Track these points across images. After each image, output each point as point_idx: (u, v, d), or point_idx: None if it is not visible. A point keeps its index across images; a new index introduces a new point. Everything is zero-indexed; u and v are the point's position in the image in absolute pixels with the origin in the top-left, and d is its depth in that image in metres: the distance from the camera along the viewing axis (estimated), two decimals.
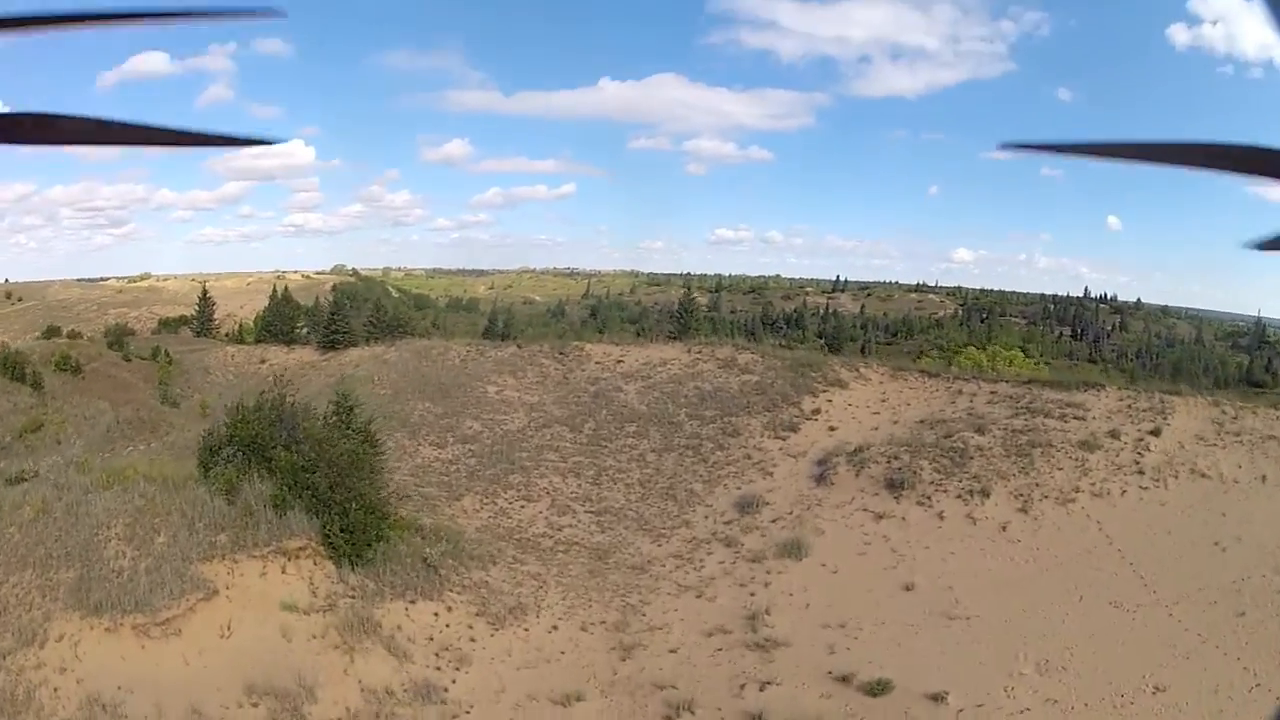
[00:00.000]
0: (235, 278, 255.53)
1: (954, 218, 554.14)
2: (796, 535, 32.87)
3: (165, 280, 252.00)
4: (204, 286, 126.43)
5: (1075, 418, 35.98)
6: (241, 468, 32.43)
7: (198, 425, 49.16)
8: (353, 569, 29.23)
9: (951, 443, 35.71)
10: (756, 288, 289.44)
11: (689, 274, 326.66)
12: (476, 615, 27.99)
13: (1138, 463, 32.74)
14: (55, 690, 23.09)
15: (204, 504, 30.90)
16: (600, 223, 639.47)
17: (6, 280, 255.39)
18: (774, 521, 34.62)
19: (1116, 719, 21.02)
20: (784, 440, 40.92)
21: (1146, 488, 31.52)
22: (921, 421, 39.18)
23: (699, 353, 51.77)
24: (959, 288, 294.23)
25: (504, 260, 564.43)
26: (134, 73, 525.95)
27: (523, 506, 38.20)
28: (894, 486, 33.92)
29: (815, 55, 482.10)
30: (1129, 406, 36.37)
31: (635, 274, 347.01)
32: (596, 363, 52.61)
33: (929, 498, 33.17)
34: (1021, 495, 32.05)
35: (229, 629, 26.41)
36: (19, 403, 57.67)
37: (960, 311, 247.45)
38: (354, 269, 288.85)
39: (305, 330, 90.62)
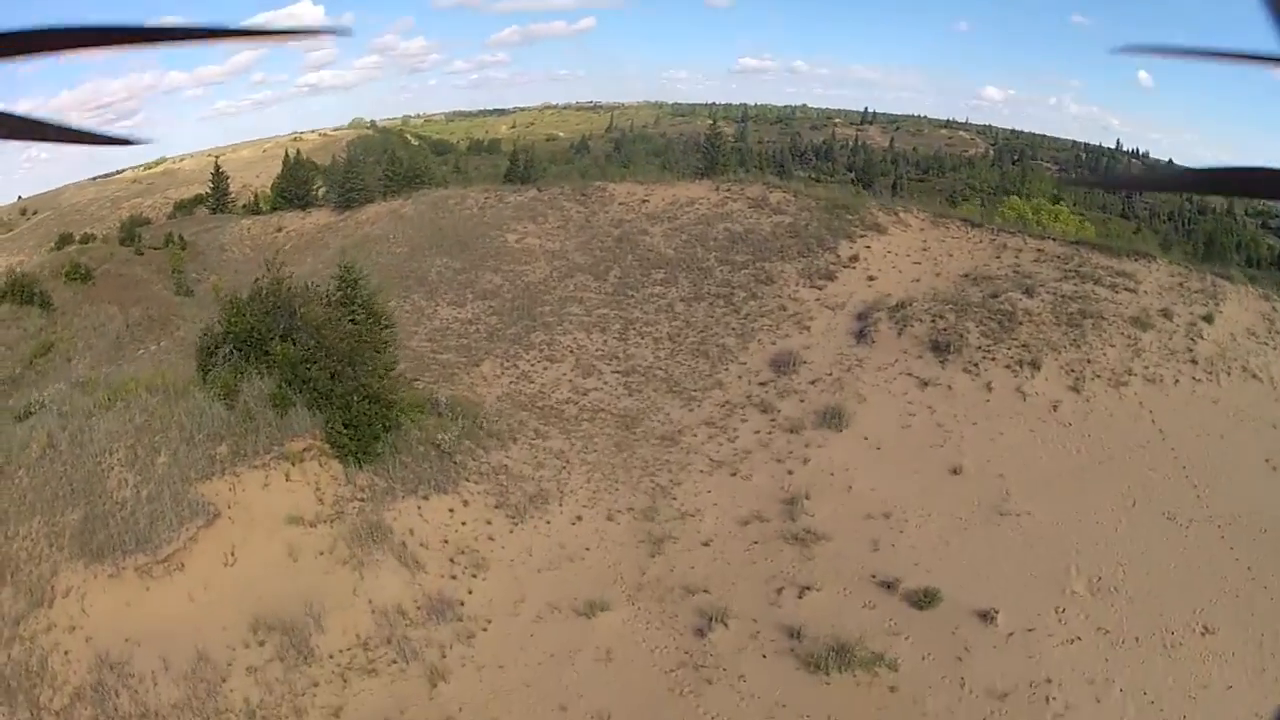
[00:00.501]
0: (252, 146, 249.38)
1: (983, 54, 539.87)
2: (837, 401, 30.38)
3: (181, 161, 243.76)
4: (217, 162, 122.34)
5: (1126, 289, 32.77)
6: (239, 367, 30.48)
7: (211, 312, 47.63)
8: (360, 467, 27.25)
9: (999, 304, 32.67)
10: (783, 118, 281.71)
11: (714, 104, 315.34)
12: (495, 508, 26.13)
13: (1190, 350, 29.55)
14: (66, 654, 22.49)
15: (202, 412, 29.26)
16: (622, 56, 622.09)
17: (20, 197, 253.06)
18: (813, 383, 32.06)
19: (1165, 659, 19.06)
20: (820, 290, 37.96)
21: (1199, 380, 28.52)
22: (965, 276, 36.15)
23: (728, 191, 48.21)
24: (989, 126, 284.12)
25: (525, 98, 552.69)
26: None
27: (545, 368, 35.94)
28: (939, 349, 31.40)
29: None
30: (1180, 284, 32.96)
31: (659, 105, 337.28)
32: (620, 204, 49.79)
33: (976, 365, 30.46)
34: (1073, 371, 29.31)
35: (233, 556, 24.91)
36: (29, 327, 56.17)
37: (991, 152, 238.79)
38: (372, 121, 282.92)
39: (323, 191, 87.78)
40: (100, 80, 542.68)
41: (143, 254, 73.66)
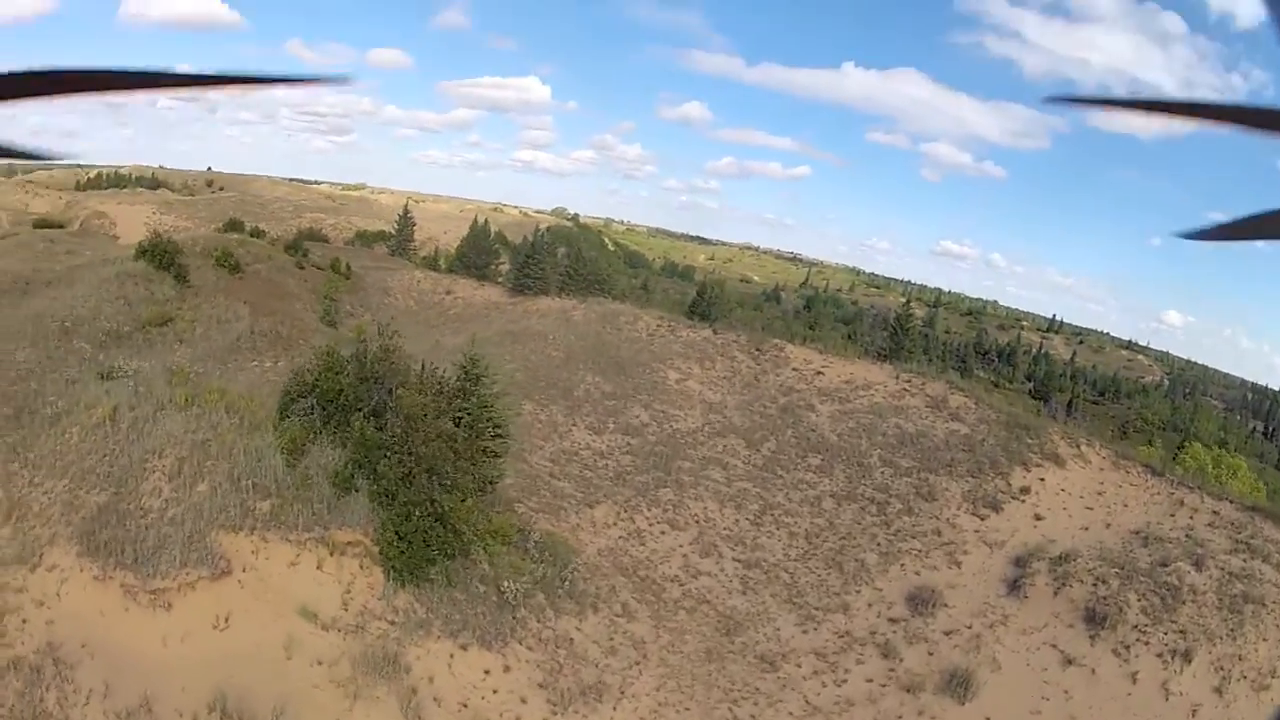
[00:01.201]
0: (452, 203, 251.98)
1: (1170, 275, 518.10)
2: (969, 664, 25.24)
3: (380, 194, 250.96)
4: (406, 204, 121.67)
5: None
6: (314, 426, 27.44)
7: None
8: (403, 585, 23.49)
9: (1166, 574, 27.90)
10: (973, 310, 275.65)
11: (909, 283, 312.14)
12: (539, 686, 21.99)
13: None
14: (24, 623, 21.66)
15: (260, 459, 26.61)
16: (829, 212, 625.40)
17: (210, 169, 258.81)
18: (948, 634, 27.01)
19: None
20: (982, 520, 33.25)
21: None
22: (1137, 533, 31.23)
23: (908, 382, 43.72)
24: (1166, 354, 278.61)
25: (729, 233, 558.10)
26: None
27: (663, 533, 31.67)
28: (1093, 620, 26.53)
29: (1057, 74, 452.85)
30: None
31: (856, 272, 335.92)
32: (794, 369, 45.64)
33: (1128, 648, 25.46)
34: (1222, 668, 24.67)
35: (226, 622, 22.03)
36: (156, 293, 53.53)
37: (1166, 381, 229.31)
38: (575, 214, 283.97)
39: (505, 268, 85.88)
40: (316, 88, 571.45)
41: (303, 269, 70.87)
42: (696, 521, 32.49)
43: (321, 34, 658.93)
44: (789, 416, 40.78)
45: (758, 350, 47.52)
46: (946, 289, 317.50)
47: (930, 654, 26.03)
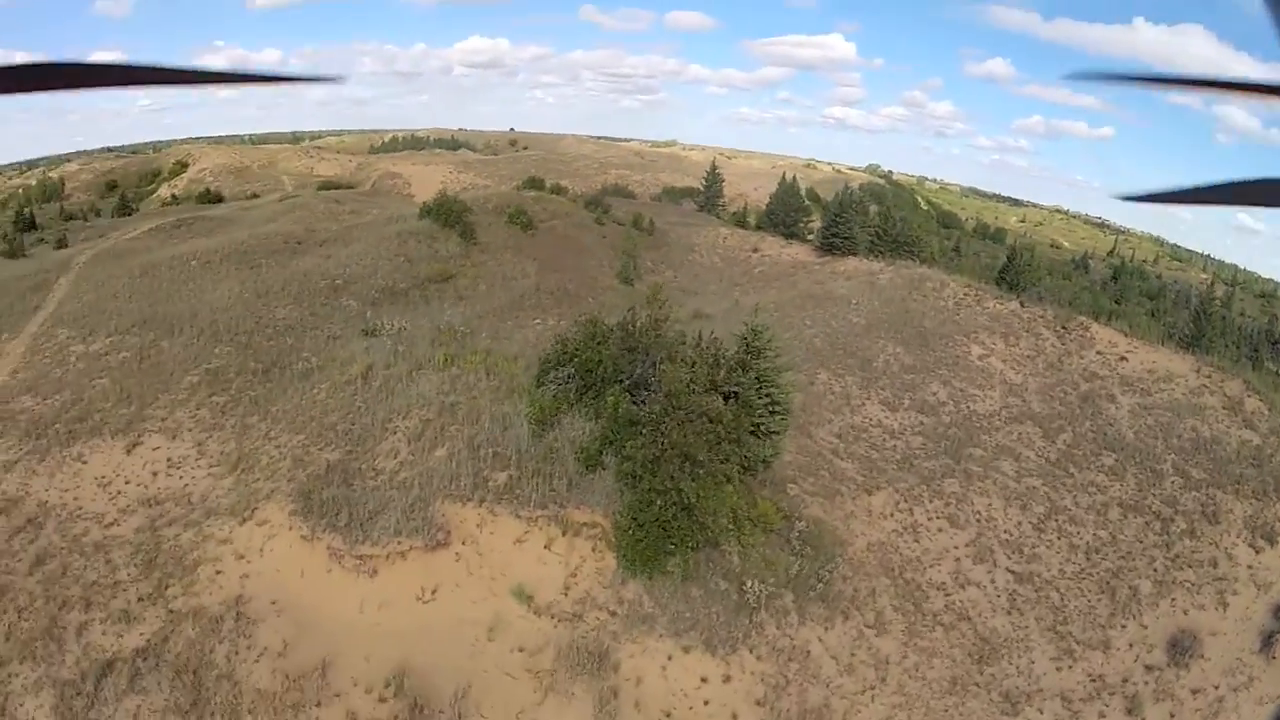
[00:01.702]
0: (764, 159, 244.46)
1: None
2: None
3: (689, 150, 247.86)
4: (714, 160, 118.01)
5: None
6: (567, 397, 26.63)
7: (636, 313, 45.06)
8: (635, 575, 22.27)
9: None
10: (1266, 294, 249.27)
11: (1208, 257, 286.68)
12: (755, 703, 20.31)
13: None
14: (217, 574, 22.51)
15: (507, 425, 26.32)
16: (1133, 175, 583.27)
17: (513, 129, 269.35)
18: (1194, 694, 23.54)
19: None
20: (1257, 554, 28.31)
21: None
22: None
23: (1208, 378, 38.71)
24: None
25: (1040, 194, 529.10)
26: None
27: (940, 531, 28.99)
28: None
29: None
30: None
31: (1160, 241, 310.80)
32: (1098, 352, 41.68)
33: None
34: None
35: (433, 595, 21.89)
36: (440, 250, 53.69)
37: None
38: (889, 171, 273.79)
39: (815, 225, 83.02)
40: (617, 51, 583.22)
41: (603, 225, 69.99)
42: (978, 520, 29.74)
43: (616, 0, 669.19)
44: (1089, 406, 37.21)
45: (1064, 329, 43.52)
46: (1242, 266, 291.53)
47: (1172, 716, 22.73)
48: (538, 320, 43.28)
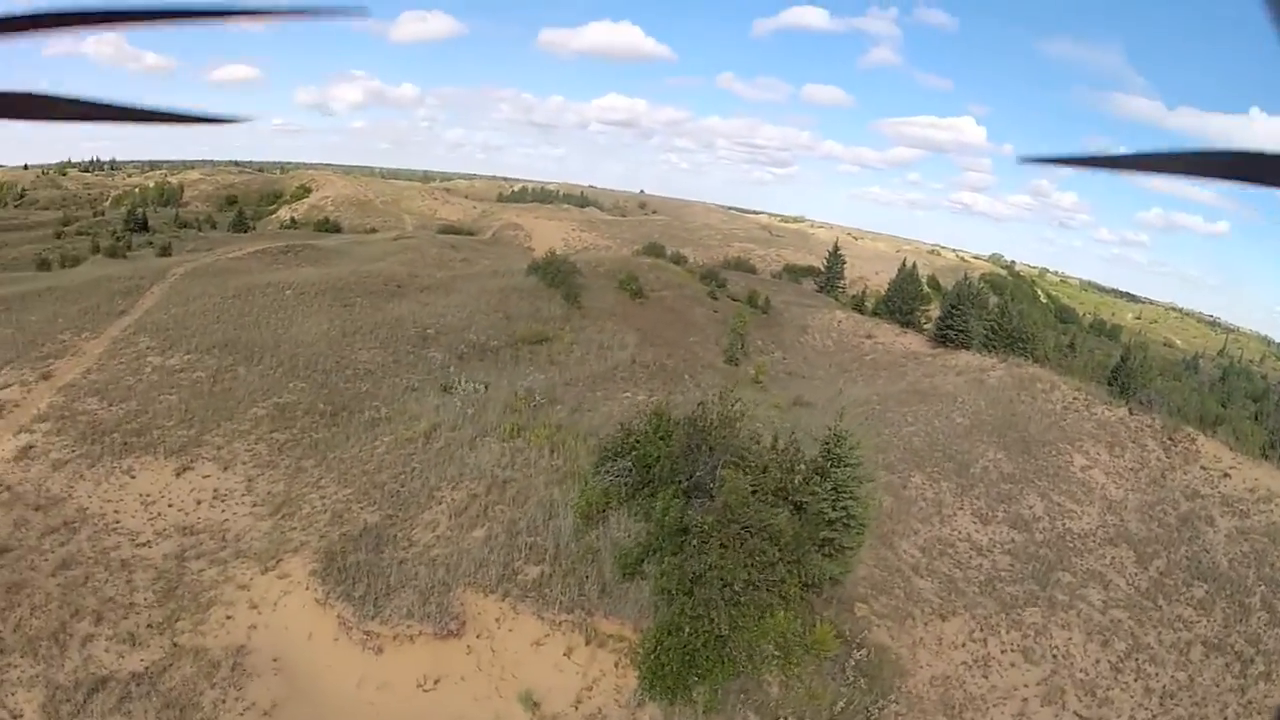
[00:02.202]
0: (889, 241, 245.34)
1: None
2: None
3: (818, 227, 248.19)
4: (838, 240, 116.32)
5: None
6: (618, 493, 25.25)
7: (739, 392, 42.97)
8: (653, 699, 20.64)
9: None
10: None
11: None
12: None
13: None
14: (227, 618, 22.58)
15: (551, 514, 25.25)
16: (1246, 272, 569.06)
17: (642, 191, 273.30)
18: None
19: None
20: None
21: None
22: None
23: None
24: None
25: (1156, 289, 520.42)
26: (793, 24, 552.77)
27: (1011, 666, 26.59)
28: None
29: None
30: None
31: (1268, 341, 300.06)
32: (1202, 467, 39.49)
33: None
34: None
35: (435, 685, 21.07)
36: (542, 310, 52.76)
37: None
38: (1011, 262, 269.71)
39: (934, 312, 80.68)
40: (754, 121, 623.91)
41: (716, 299, 68.39)
42: (1054, 656, 27.30)
43: (753, 68, 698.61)
44: (1186, 530, 35.04)
45: (1170, 440, 41.27)
46: None
47: None
48: (627, 394, 41.44)
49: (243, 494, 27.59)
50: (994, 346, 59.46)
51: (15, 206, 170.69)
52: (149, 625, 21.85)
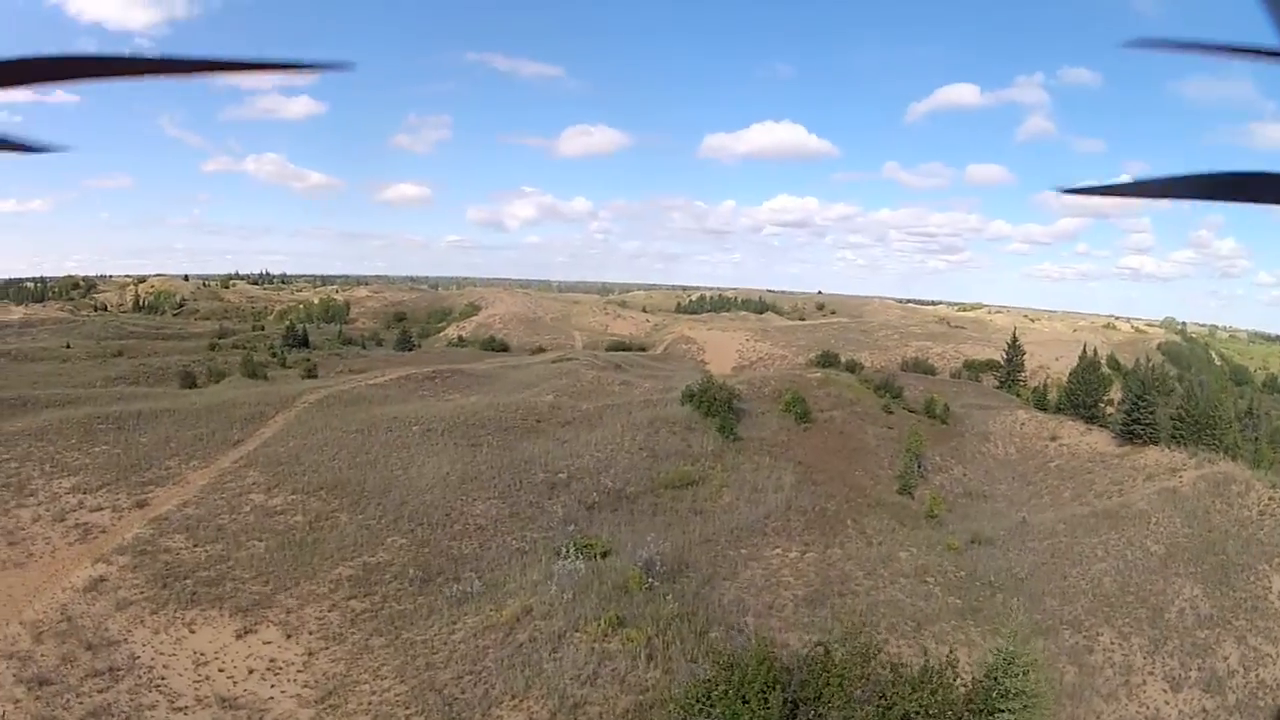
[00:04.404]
0: (1065, 320, 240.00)
1: None
2: None
3: (995, 313, 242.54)
4: (1015, 329, 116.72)
5: None
6: None
7: (909, 535, 39.38)
8: None
9: None
10: None
11: None
12: None
13: None
14: None
15: None
16: None
17: (820, 291, 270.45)
18: None
19: None
20: None
21: None
22: None
23: None
24: None
25: None
26: (946, 104, 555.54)
27: None
28: None
29: None
30: None
31: None
32: None
33: None
34: None
35: None
36: (693, 445, 48.32)
37: None
38: (1183, 325, 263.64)
39: (1116, 396, 76.71)
40: (920, 209, 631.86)
41: (891, 413, 63.49)
42: None
43: (915, 155, 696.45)
44: None
45: None
46: None
47: None
48: (777, 549, 36.62)
49: (298, 669, 25.12)
50: (1181, 438, 56.84)
51: (173, 315, 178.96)
52: None
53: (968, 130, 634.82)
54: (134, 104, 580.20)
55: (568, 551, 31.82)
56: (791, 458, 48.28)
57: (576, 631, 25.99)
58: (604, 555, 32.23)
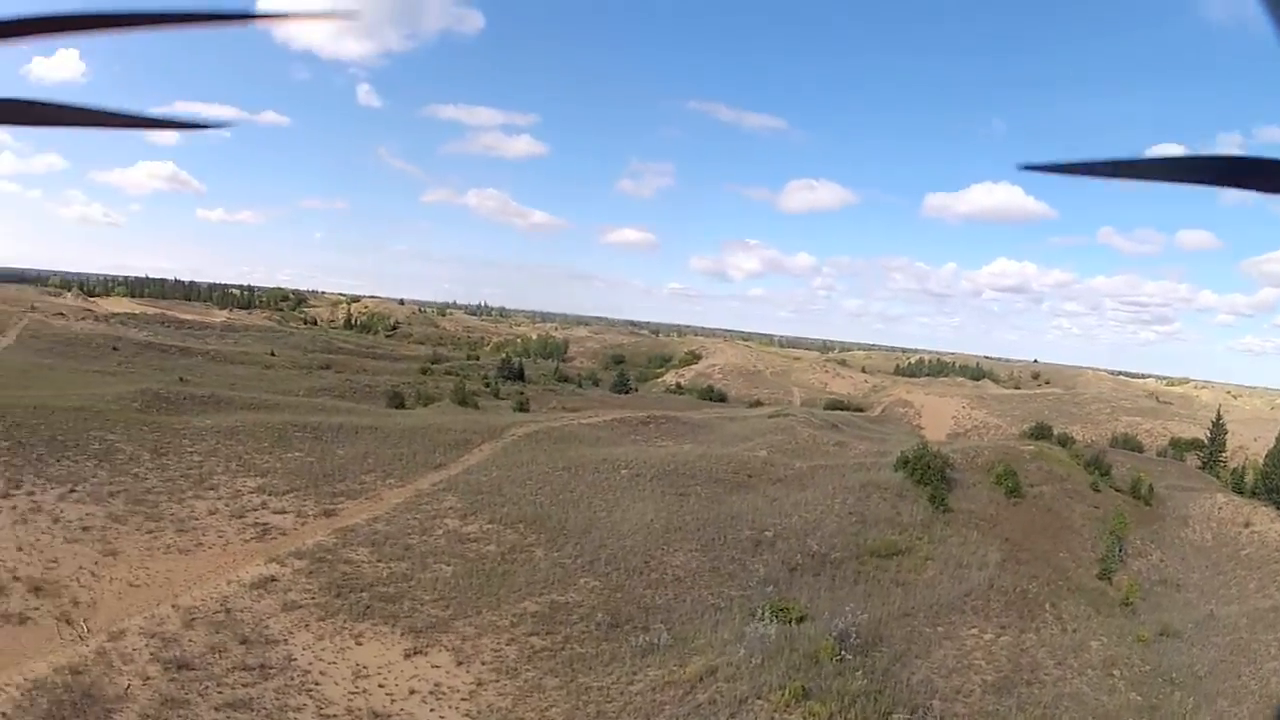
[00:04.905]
0: (1265, 396, 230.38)
1: None
2: None
3: (1201, 389, 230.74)
4: (1219, 407, 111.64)
5: None
6: None
7: (1102, 624, 36.79)
8: None
9: None
10: None
11: None
12: None
13: None
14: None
15: None
16: None
17: (1035, 360, 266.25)
18: None
19: None
20: None
21: None
22: None
23: None
24: None
25: None
26: None
27: None
28: None
29: None
30: None
31: None
32: None
33: None
34: None
35: None
36: (902, 514, 45.37)
37: None
38: None
39: None
40: (1134, 277, 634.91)
41: (1099, 491, 59.55)
42: None
43: (1130, 220, 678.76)
44: None
45: None
46: None
47: None
48: (974, 630, 33.46)
49: (463, 697, 23.94)
50: None
51: (385, 337, 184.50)
52: None
53: (1179, 194, 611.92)
54: (351, 132, 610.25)
55: (763, 614, 29.88)
56: (998, 533, 44.90)
57: (759, 699, 23.99)
58: (800, 620, 29.97)
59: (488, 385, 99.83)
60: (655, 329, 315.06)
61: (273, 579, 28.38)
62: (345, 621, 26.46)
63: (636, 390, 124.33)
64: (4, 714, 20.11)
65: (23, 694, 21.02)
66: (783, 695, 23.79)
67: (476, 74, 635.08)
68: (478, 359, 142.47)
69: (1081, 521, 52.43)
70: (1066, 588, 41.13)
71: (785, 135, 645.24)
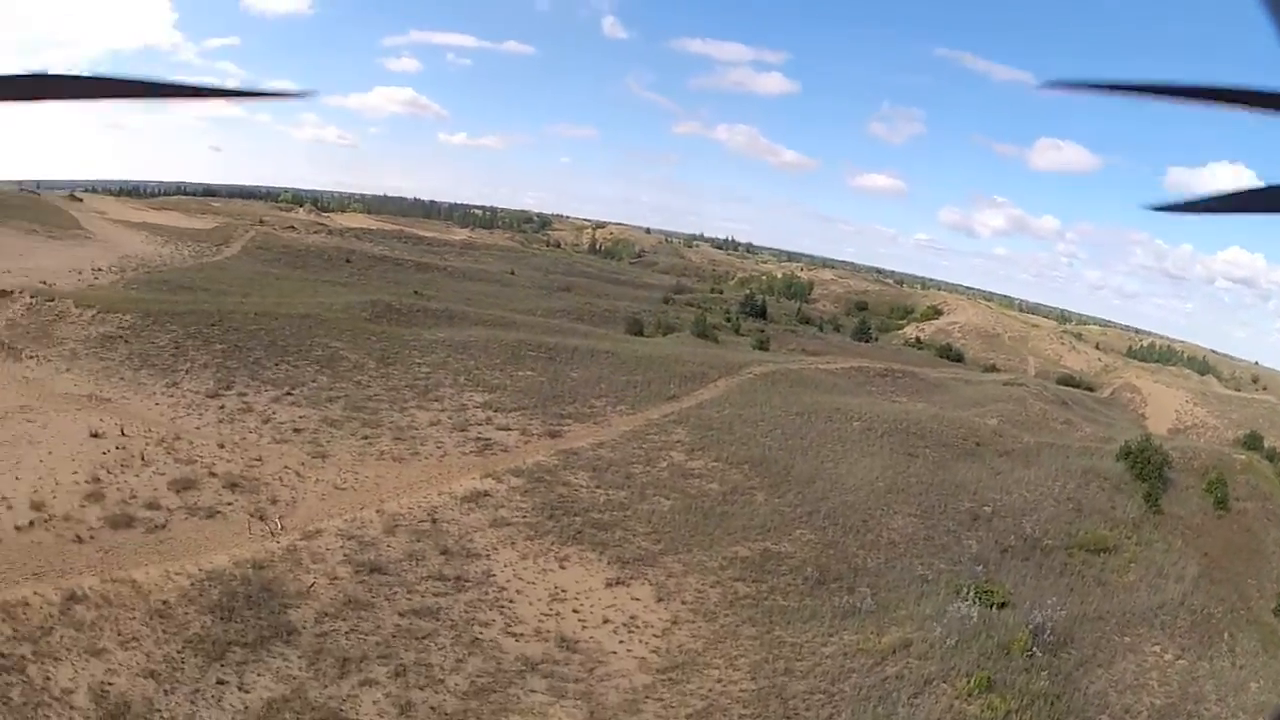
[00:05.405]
0: None
1: None
2: None
3: None
4: None
5: None
6: None
7: (1265, 665, 32.94)
8: None
9: None
10: None
11: None
12: None
13: None
14: None
15: None
16: None
17: (1257, 363, 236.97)
18: None
19: None
20: None
21: None
22: None
23: None
24: None
25: None
26: None
27: None
28: None
29: None
30: None
31: None
32: None
33: None
34: None
35: None
36: (1117, 509, 42.75)
37: None
38: None
39: None
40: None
41: None
42: None
43: None
44: None
45: None
46: None
47: None
48: (1157, 646, 30.63)
49: (655, 634, 24.20)
50: None
51: (629, 264, 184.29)
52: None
53: None
54: (598, 63, 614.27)
55: (968, 593, 29.00)
56: (1200, 546, 41.48)
57: (944, 682, 23.49)
58: (1001, 606, 28.97)
59: (729, 320, 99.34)
60: (899, 279, 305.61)
61: (486, 494, 29.15)
62: (552, 544, 26.94)
63: (877, 340, 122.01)
64: (165, 602, 21.06)
65: (193, 584, 21.96)
66: (968, 683, 23.33)
67: (724, 9, 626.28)
68: (721, 293, 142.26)
69: (1273, 548, 47.80)
70: (1245, 619, 37.66)
71: (1033, 91, 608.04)
